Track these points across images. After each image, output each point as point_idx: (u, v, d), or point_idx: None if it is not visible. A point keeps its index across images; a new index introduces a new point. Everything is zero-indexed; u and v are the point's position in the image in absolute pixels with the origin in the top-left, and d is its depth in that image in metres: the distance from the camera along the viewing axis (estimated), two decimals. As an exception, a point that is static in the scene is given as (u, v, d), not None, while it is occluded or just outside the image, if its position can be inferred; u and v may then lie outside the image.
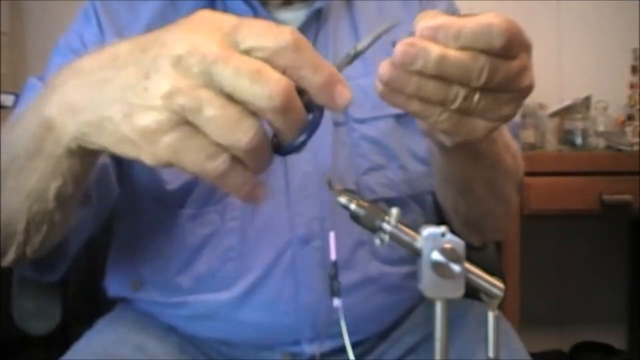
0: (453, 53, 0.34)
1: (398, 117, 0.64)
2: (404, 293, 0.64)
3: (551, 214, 1.42)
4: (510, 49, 0.35)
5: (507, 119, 0.38)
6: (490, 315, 0.36)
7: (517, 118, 0.72)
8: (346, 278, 0.59)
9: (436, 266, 0.34)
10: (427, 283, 0.35)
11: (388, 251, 0.62)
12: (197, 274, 0.60)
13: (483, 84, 0.34)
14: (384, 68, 0.36)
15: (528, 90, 0.37)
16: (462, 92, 0.35)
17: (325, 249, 0.59)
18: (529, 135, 1.60)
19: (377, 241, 0.37)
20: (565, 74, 1.80)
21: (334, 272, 0.38)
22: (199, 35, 0.31)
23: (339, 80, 0.33)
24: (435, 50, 0.34)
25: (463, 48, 0.34)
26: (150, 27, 0.61)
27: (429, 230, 0.35)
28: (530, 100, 1.69)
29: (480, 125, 0.38)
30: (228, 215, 0.60)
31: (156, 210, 0.62)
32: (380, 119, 0.63)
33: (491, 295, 0.36)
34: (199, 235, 0.61)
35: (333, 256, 0.38)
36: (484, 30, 0.34)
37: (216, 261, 0.60)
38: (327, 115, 0.62)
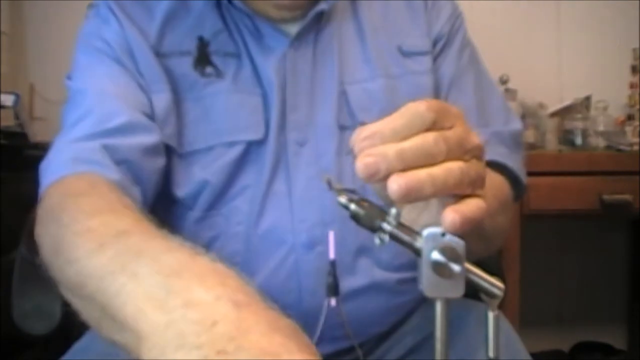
0: (405, 143, 0.35)
1: None
2: (405, 295, 0.64)
3: (551, 213, 1.42)
4: (444, 119, 0.36)
5: (475, 183, 0.38)
6: (490, 315, 0.36)
7: (519, 121, 0.73)
8: (348, 283, 0.60)
9: (436, 266, 0.34)
10: (427, 283, 0.35)
11: (389, 258, 0.63)
12: None
13: (446, 153, 0.35)
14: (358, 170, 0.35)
15: (480, 147, 0.38)
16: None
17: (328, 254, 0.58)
18: (529, 135, 1.60)
19: (377, 240, 0.37)
20: (565, 73, 1.80)
21: (332, 272, 0.38)
22: None
23: None
24: (390, 148, 0.34)
25: (407, 137, 0.35)
26: (165, 27, 0.62)
27: (429, 230, 0.35)
28: (530, 100, 1.69)
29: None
30: (233, 219, 0.61)
31: (166, 209, 0.63)
32: None
33: (491, 295, 0.36)
34: (203, 238, 0.61)
35: (332, 255, 0.38)
36: (413, 114, 0.35)
37: None
38: (332, 118, 0.63)
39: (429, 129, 0.35)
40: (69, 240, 0.41)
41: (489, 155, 0.65)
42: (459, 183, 0.35)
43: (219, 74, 0.62)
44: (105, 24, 0.63)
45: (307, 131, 0.62)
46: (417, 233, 0.35)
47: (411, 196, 0.34)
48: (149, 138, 0.58)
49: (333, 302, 0.39)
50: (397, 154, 0.34)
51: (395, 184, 0.34)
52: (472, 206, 0.36)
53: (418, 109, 0.35)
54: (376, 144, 0.35)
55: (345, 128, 0.62)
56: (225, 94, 0.61)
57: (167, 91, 0.60)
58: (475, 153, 0.37)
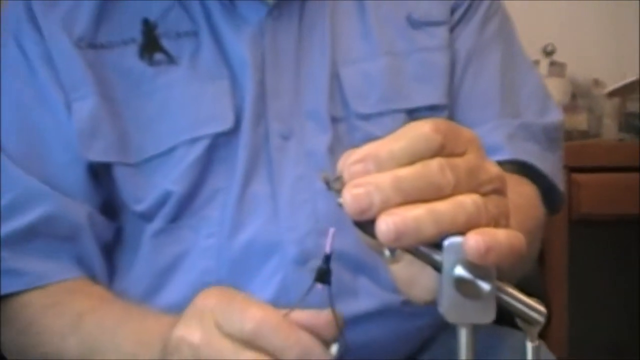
0: (403, 170, 0.34)
1: (411, 113, 0.65)
2: (419, 319, 0.64)
3: (607, 219, 1.42)
4: (454, 143, 0.36)
5: (498, 221, 0.37)
6: (529, 347, 0.36)
7: (558, 112, 0.72)
8: (350, 307, 0.60)
9: (460, 284, 0.34)
10: (449, 305, 0.34)
11: None
12: (166, 304, 0.61)
13: (454, 184, 0.35)
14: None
15: (501, 178, 0.38)
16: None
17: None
18: (581, 121, 1.60)
19: (387, 253, 0.37)
20: (625, 43, 1.79)
21: (326, 263, 0.39)
22: None
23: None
24: (384, 176, 0.34)
25: (407, 164, 0.35)
26: (100, 14, 0.63)
27: (451, 240, 0.34)
28: (583, 76, 1.69)
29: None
30: (203, 231, 0.62)
31: (118, 221, 0.65)
32: (389, 114, 0.65)
33: (530, 321, 0.36)
34: (167, 256, 0.62)
35: (327, 249, 0.39)
36: (416, 136, 0.35)
37: (189, 288, 0.60)
38: (323, 108, 0.64)
39: (435, 155, 0.35)
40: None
41: (514, 153, 0.65)
42: (474, 220, 0.34)
43: (171, 59, 0.64)
44: (24, 24, 0.64)
45: (291, 122, 0.63)
46: (437, 243, 0.35)
47: (406, 239, 0.33)
48: (45, 207, 0.61)
49: (320, 287, 0.40)
50: (393, 183, 0.33)
51: (384, 224, 0.33)
52: (503, 233, 0.34)
53: (422, 129, 0.35)
54: (369, 170, 0.34)
55: (337, 120, 0.64)
56: (181, 83, 0.63)
57: (93, 95, 0.62)
58: (495, 186, 0.37)
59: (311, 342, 0.40)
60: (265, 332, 0.40)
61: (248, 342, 0.40)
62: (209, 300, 0.44)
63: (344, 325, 0.41)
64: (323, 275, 0.39)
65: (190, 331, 0.43)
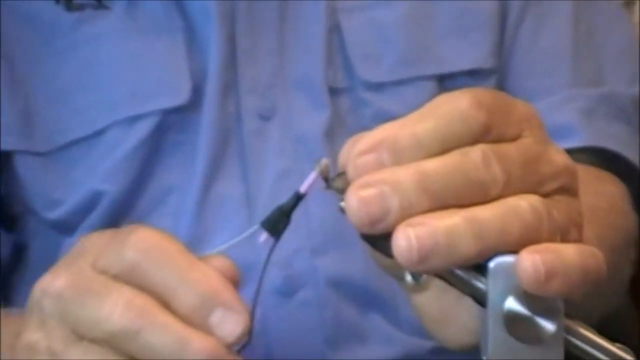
0: (431, 162, 0.34)
1: (443, 80, 0.66)
2: None
3: None
4: (504, 123, 0.36)
5: (567, 232, 0.38)
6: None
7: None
8: (357, 356, 0.62)
9: (513, 322, 0.34)
10: (498, 351, 0.35)
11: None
12: None
13: (504, 181, 0.35)
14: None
15: (570, 171, 0.38)
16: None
17: (323, 302, 0.59)
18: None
19: (408, 278, 0.39)
20: None
21: (290, 207, 0.40)
22: None
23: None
24: (405, 173, 0.34)
25: (438, 153, 0.35)
26: None
27: (499, 260, 0.34)
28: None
29: None
30: None
31: (30, 232, 0.66)
32: (411, 83, 0.66)
33: None
34: None
35: (304, 188, 0.39)
36: (449, 113, 0.35)
37: None
38: (318, 74, 0.66)
39: (477, 140, 0.34)
40: None
41: (591, 137, 0.68)
42: (532, 232, 0.34)
43: (99, 3, 0.62)
44: None
45: (273, 95, 0.64)
46: (480, 264, 0.35)
47: (436, 259, 0.33)
48: None
49: (263, 237, 0.40)
50: (417, 181, 0.33)
51: (405, 238, 0.32)
52: (573, 250, 0.34)
53: (459, 104, 0.35)
54: (384, 163, 0.34)
55: (338, 92, 0.64)
56: (114, 36, 0.62)
57: None
58: (562, 183, 0.37)
59: (222, 285, 0.37)
60: (153, 263, 0.37)
61: (128, 276, 0.37)
62: (88, 240, 0.41)
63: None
64: (277, 221, 0.39)
65: (54, 278, 0.40)
